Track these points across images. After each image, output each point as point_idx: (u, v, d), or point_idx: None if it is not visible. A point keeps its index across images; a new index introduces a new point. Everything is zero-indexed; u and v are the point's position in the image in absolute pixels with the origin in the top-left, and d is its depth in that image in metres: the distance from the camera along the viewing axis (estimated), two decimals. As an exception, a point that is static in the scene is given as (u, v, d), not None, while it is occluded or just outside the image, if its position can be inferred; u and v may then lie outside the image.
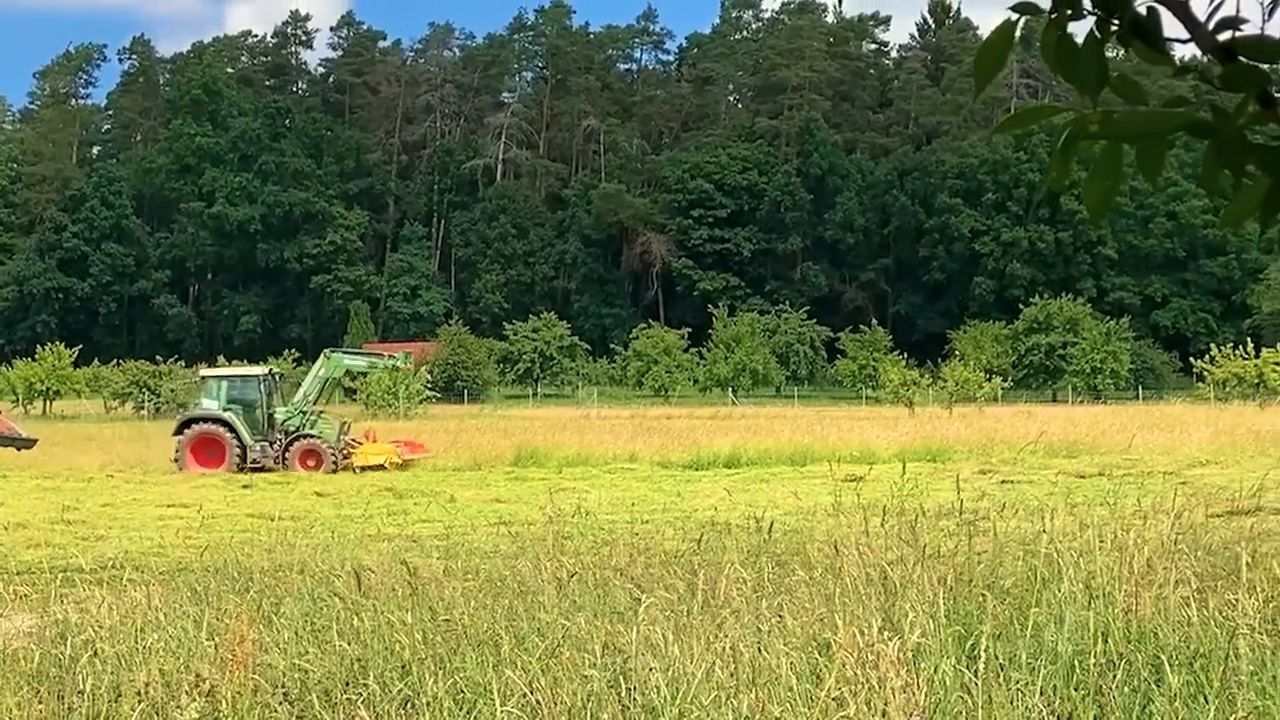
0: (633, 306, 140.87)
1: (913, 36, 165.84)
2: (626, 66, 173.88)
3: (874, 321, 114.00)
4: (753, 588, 10.49)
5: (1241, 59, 1.70)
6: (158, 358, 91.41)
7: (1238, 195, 1.78)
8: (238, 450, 38.46)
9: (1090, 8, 1.80)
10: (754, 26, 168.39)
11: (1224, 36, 1.73)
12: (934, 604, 8.66)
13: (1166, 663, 7.55)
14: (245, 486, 32.03)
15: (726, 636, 8.31)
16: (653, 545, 14.11)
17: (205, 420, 39.26)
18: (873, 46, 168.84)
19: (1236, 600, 8.75)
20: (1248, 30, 1.74)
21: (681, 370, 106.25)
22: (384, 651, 8.89)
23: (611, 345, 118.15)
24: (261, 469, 37.76)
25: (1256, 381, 77.37)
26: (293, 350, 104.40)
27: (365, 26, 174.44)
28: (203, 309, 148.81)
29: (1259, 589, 9.30)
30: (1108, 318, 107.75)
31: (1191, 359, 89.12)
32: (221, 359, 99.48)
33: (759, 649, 7.97)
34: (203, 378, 43.19)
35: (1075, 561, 10.23)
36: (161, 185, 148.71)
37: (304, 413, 40.05)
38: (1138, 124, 1.76)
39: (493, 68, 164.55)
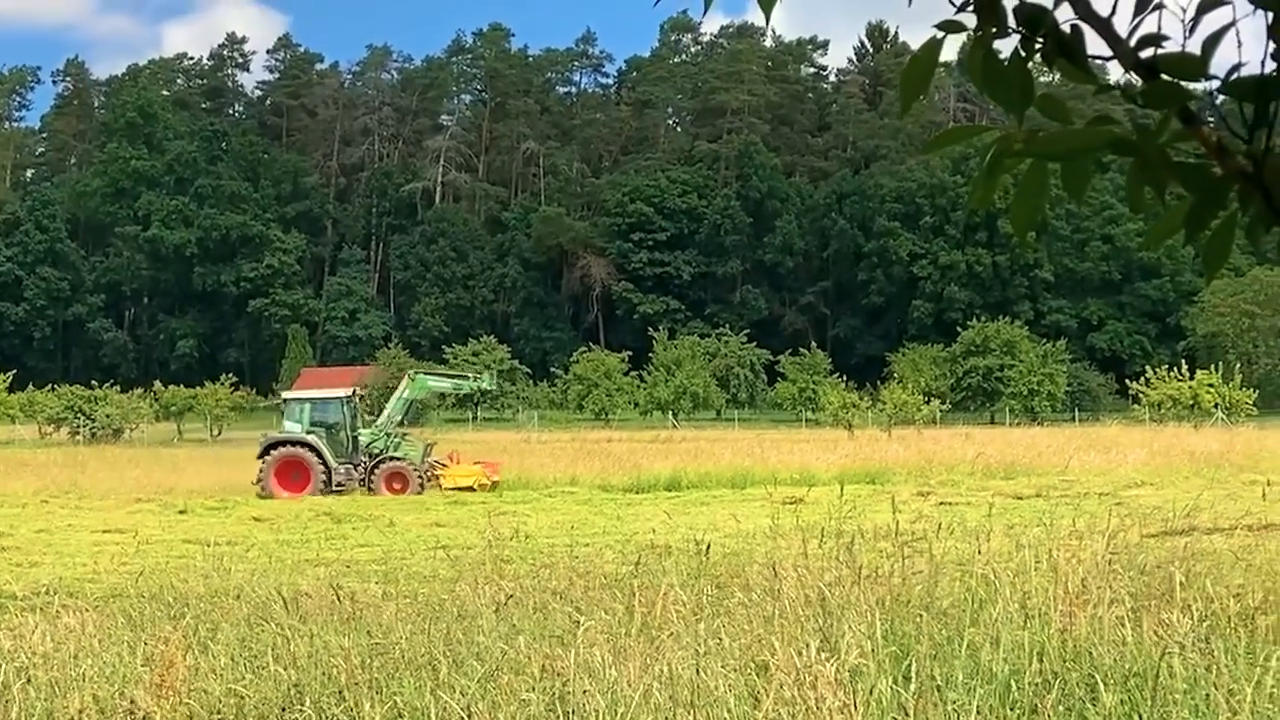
0: (573, 330, 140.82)
1: (851, 61, 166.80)
2: (566, 90, 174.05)
3: (813, 344, 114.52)
4: (691, 610, 10.50)
5: (1164, 76, 1.71)
6: (93, 382, 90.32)
7: (1161, 214, 1.79)
8: (322, 473, 38.06)
9: (1015, 26, 1.81)
10: (693, 50, 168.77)
11: (1146, 54, 1.75)
12: (871, 625, 8.69)
13: (1101, 682, 7.60)
14: (181, 512, 31.69)
15: (665, 658, 8.29)
16: (592, 568, 14.11)
17: (289, 443, 38.79)
18: (811, 70, 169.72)
19: (1170, 619, 8.83)
20: (1170, 48, 1.76)
21: (622, 393, 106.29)
22: (321, 676, 8.82)
23: (552, 369, 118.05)
24: (346, 492, 37.41)
25: (1191, 403, 78.14)
26: (230, 375, 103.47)
27: (302, 49, 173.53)
28: (139, 333, 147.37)
29: (1192, 608, 9.40)
30: (1044, 340, 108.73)
31: (1127, 381, 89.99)
32: (158, 384, 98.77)
33: (697, 671, 7.96)
34: (284, 400, 42.89)
35: (1011, 582, 10.30)
36: (96, 209, 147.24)
37: (388, 434, 39.68)
38: (1062, 143, 1.76)
39: (431, 90, 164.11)
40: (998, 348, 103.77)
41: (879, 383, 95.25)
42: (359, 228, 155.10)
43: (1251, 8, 1.67)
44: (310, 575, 16.16)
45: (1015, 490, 31.46)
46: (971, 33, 1.87)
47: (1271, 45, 1.64)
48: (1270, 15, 1.64)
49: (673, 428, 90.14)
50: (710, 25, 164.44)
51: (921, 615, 9.24)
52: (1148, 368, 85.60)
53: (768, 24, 2.21)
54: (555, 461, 44.22)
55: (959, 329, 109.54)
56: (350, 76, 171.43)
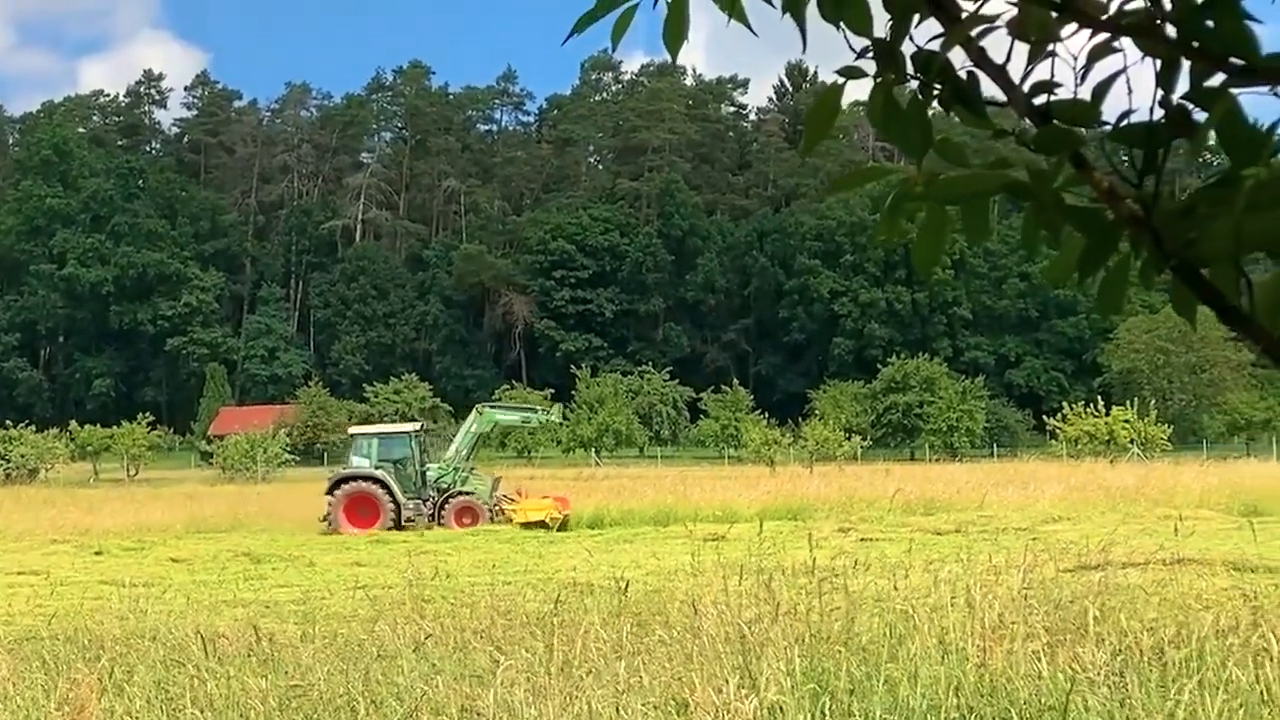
0: (495, 368, 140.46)
1: (771, 100, 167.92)
2: (487, 127, 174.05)
3: (735, 382, 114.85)
4: (612, 648, 10.48)
5: (1056, 122, 1.75)
6: (7, 422, 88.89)
7: (1056, 256, 1.83)
8: (392, 509, 37.70)
9: (913, 72, 1.85)
10: (614, 88, 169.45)
11: (1039, 100, 1.79)
12: (790, 661, 8.72)
13: (1016, 715, 7.67)
14: (97, 553, 31.23)
15: (584, 697, 8.27)
16: (514, 607, 14.06)
17: (358, 479, 38.35)
18: (732, 109, 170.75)
19: (1084, 654, 8.92)
20: (1063, 94, 1.80)
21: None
22: (238, 719, 8.72)
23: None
24: (416, 527, 36.98)
25: (1107, 439, 79.10)
26: (147, 414, 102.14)
27: (220, 86, 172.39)
28: (54, 372, 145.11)
29: (1106, 642, 9.50)
30: (963, 377, 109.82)
31: (1044, 417, 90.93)
32: (74, 423, 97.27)
33: (617, 709, 7.95)
34: (351, 435, 42.43)
35: (929, 617, 10.37)
36: (11, 247, 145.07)
37: (456, 469, 39.33)
38: (960, 186, 1.80)
39: (351, 128, 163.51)
40: (917, 384, 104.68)
41: (800, 419, 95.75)
42: (278, 265, 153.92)
43: (1140, 55, 1.71)
44: (228, 616, 15.99)
45: (934, 526, 31.62)
46: (872, 78, 1.90)
47: (1160, 92, 1.68)
48: (1159, 63, 1.68)
49: (596, 465, 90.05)
50: (631, 64, 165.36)
51: (840, 651, 9.28)
52: (1064, 404, 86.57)
53: (674, 61, 2.24)
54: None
55: (879, 366, 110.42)
56: (269, 114, 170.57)
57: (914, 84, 1.89)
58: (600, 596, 14.46)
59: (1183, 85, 1.69)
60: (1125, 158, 1.80)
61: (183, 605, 17.36)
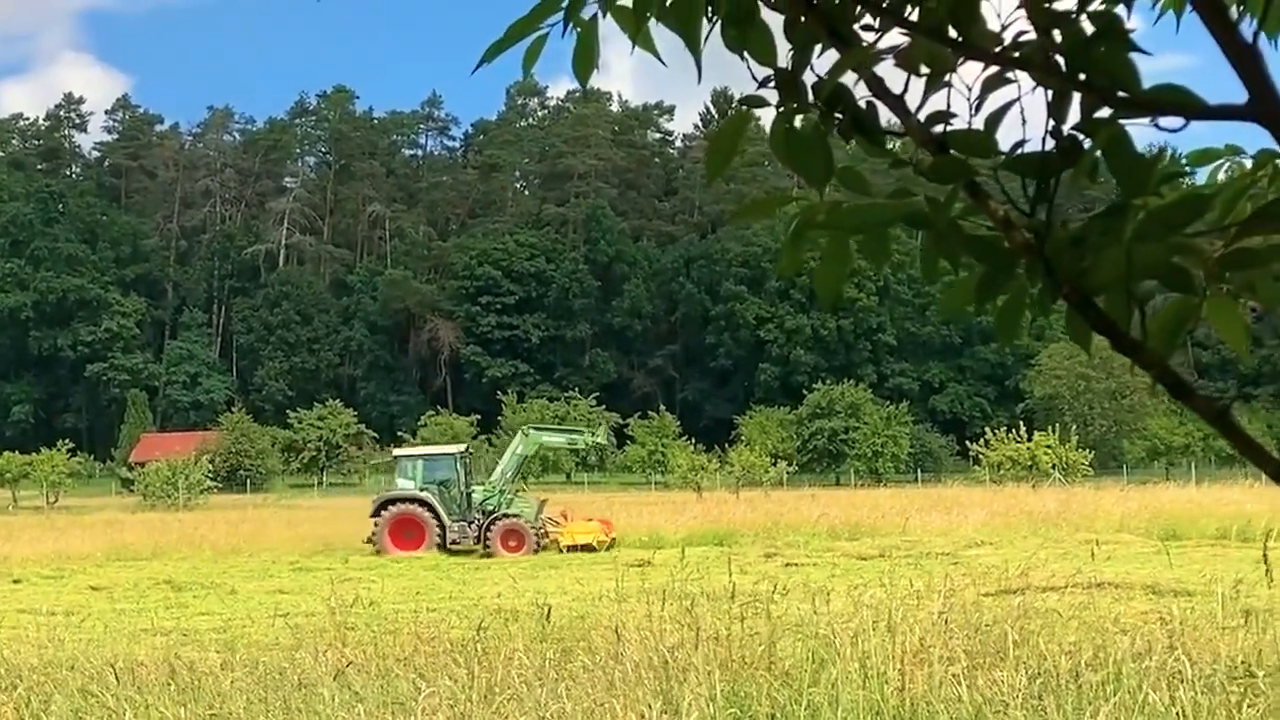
0: (421, 393, 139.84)
1: (696, 126, 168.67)
2: (412, 152, 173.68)
3: (662, 407, 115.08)
4: (535, 674, 10.44)
5: (953, 152, 1.77)
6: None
7: (954, 284, 1.85)
8: (438, 531, 37.46)
9: (814, 101, 1.87)
10: (540, 114, 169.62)
11: (936, 130, 1.81)
12: (712, 687, 8.72)
13: (936, 739, 7.71)
14: (16, 581, 30.70)
15: (506, 725, 8.23)
16: (438, 634, 13.97)
17: (403, 500, 38.11)
18: (658, 135, 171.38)
19: (1003, 677, 8.99)
20: (959, 124, 1.82)
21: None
22: (153, 751, 8.60)
23: (399, 433, 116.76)
24: (461, 550, 36.78)
25: (1029, 464, 79.74)
26: (67, 441, 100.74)
27: (142, 110, 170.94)
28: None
29: (1024, 665, 9.58)
30: (888, 403, 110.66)
31: (968, 442, 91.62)
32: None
33: (538, 737, 7.91)
34: (395, 457, 42.08)
35: (852, 642, 10.40)
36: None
37: (502, 491, 39.00)
38: (861, 215, 1.82)
39: (274, 152, 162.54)
40: (842, 410, 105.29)
41: (727, 445, 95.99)
42: (200, 291, 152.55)
43: (1032, 85, 1.74)
44: (147, 645, 15.75)
45: (859, 551, 31.80)
46: (774, 108, 1.92)
47: (1051, 123, 1.71)
48: (1051, 94, 1.71)
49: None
50: (557, 89, 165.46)
51: (762, 676, 9.30)
52: (987, 429, 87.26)
53: (583, 89, 2.25)
54: (403, 527, 43.74)
55: (805, 392, 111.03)
56: (191, 138, 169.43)
57: (816, 113, 1.91)
58: (525, 623, 14.42)
59: (1075, 116, 1.72)
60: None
61: (102, 634, 17.13)
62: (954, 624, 11.37)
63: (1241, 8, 2.16)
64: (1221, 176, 3.10)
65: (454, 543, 37.61)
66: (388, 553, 36.42)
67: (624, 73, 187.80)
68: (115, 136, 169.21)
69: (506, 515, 38.22)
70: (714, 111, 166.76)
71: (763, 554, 31.18)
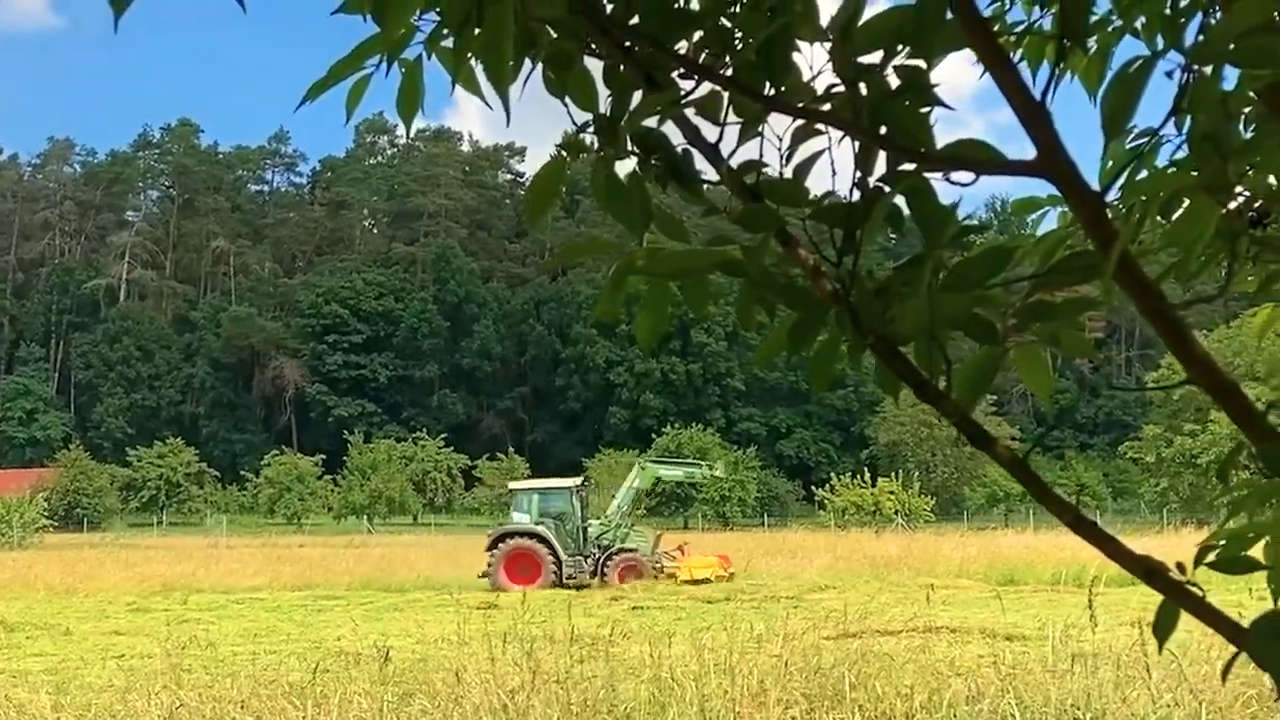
0: (265, 432, 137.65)
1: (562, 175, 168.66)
2: (258, 188, 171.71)
3: (511, 449, 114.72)
4: (373, 718, 10.31)
5: (766, 201, 1.79)
6: None
7: (769, 332, 1.87)
8: (553, 565, 36.73)
9: (632, 147, 1.88)
10: (389, 152, 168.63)
11: (749, 179, 1.83)
12: (550, 731, 8.67)
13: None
14: None
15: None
16: (277, 677, 13.73)
17: (519, 535, 37.46)
18: (508, 176, 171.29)
19: (840, 719, 9.08)
20: (772, 173, 1.84)
21: (315, 497, 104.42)
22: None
23: (242, 472, 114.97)
24: (578, 585, 35.79)
25: (873, 509, 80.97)
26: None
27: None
28: None
29: (861, 708, 9.69)
30: (736, 447, 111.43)
31: (813, 487, 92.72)
32: None
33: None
34: (511, 490, 41.61)
35: (692, 685, 10.43)
36: None
37: (618, 525, 38.45)
38: (678, 261, 1.83)
39: (116, 185, 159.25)
40: (691, 454, 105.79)
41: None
42: (38, 325, 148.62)
43: (840, 136, 1.77)
44: (-29, 690, 15.24)
45: (704, 594, 31.92)
46: (594, 153, 1.93)
47: (858, 174, 1.74)
48: (858, 145, 1.74)
49: (368, 532, 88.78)
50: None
51: (603, 719, 9.27)
52: (833, 475, 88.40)
53: (408, 132, 2.24)
54: (244, 568, 43.09)
55: (654, 435, 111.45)
56: (30, 169, 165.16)
57: (634, 160, 1.92)
58: (366, 666, 14.23)
59: (881, 168, 1.75)
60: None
61: (-76, 679, 16.53)
62: (793, 667, 11.46)
63: (1031, 65, 2.22)
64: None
65: (570, 577, 37.06)
66: (503, 588, 35.70)
67: (474, 113, 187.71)
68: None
69: (623, 549, 38.09)
70: (565, 154, 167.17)
71: (609, 597, 31.18)
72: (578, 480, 42.34)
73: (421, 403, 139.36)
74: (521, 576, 36.90)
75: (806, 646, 13.10)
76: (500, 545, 37.83)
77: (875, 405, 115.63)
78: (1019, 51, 3.13)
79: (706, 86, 1.84)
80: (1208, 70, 1.71)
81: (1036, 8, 3.17)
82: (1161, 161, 2.57)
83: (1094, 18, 3.07)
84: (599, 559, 38.06)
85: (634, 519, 41.77)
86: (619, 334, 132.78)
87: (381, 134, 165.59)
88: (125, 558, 49.69)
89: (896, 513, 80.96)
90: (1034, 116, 1.60)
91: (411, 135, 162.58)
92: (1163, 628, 1.86)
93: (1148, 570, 1.77)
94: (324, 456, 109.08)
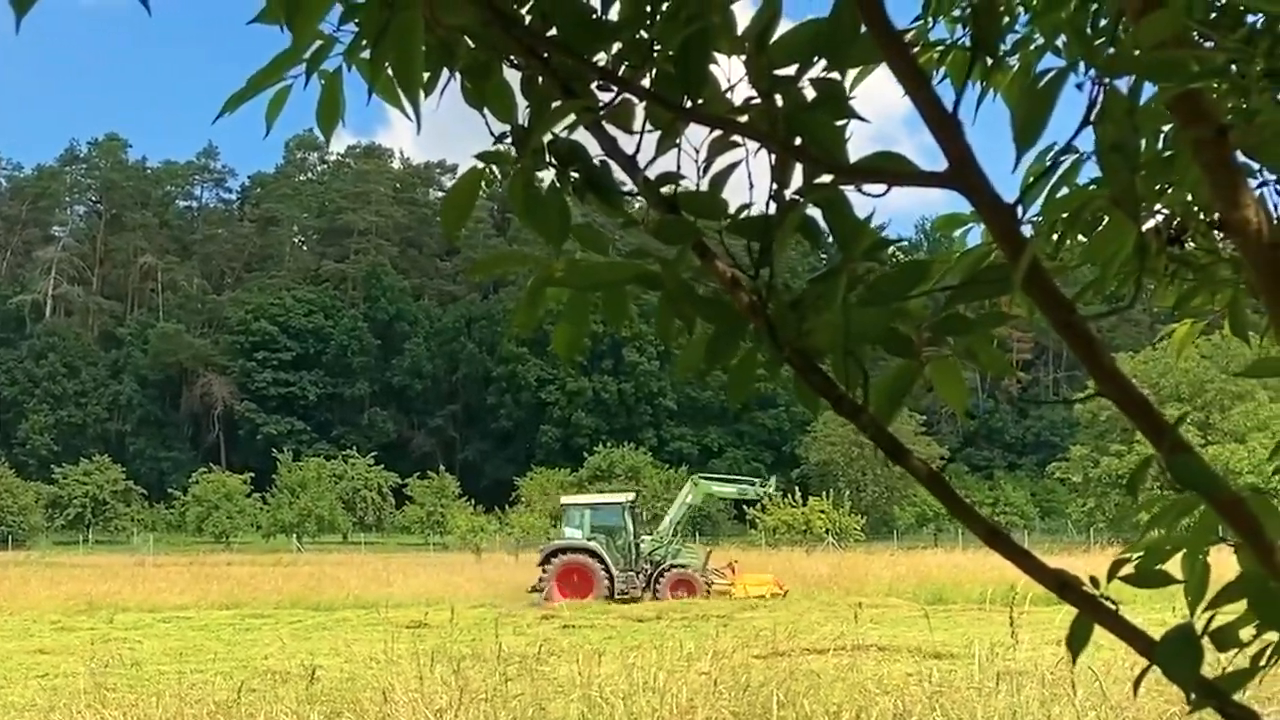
0: (193, 450, 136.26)
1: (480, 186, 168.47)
2: (186, 204, 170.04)
3: (442, 468, 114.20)
4: (298, 740, 10.22)
5: (683, 213, 1.79)
6: None
7: (688, 345, 1.86)
8: (605, 580, 36.83)
9: (550, 159, 1.87)
10: (319, 169, 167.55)
11: (666, 190, 1.83)
12: (477, 751, 8.63)
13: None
14: None
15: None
16: (203, 696, 13.61)
17: (571, 550, 37.63)
18: (440, 194, 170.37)
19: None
20: (689, 185, 1.84)
21: (244, 516, 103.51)
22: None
23: (170, 490, 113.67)
24: (630, 599, 35.92)
25: (804, 529, 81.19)
26: None
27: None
28: None
29: (789, 725, 9.70)
30: (668, 466, 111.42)
31: (745, 506, 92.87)
32: None
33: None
34: (564, 505, 41.79)
35: (621, 703, 10.41)
36: None
37: (670, 542, 38.73)
38: (597, 274, 1.82)
39: (42, 200, 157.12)
40: (623, 473, 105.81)
41: (507, 506, 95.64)
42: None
43: (756, 148, 1.77)
44: (-111, 711, 14.99)
45: (637, 613, 31.97)
46: (511, 165, 1.92)
47: (774, 186, 1.74)
48: (774, 157, 1.74)
49: (297, 551, 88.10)
50: (337, 144, 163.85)
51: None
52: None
53: (327, 142, 2.22)
54: (171, 586, 42.67)
55: (586, 454, 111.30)
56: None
57: (552, 171, 1.91)
58: (293, 685, 14.13)
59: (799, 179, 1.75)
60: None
61: None
62: (722, 685, 11.47)
63: (954, 82, 2.24)
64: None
65: (622, 592, 37.30)
66: (555, 602, 35.80)
67: (406, 130, 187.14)
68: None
69: (675, 565, 38.32)
70: (495, 172, 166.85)
71: (541, 616, 31.12)
72: (630, 496, 42.96)
73: (352, 420, 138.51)
74: (572, 590, 37.32)
75: (736, 665, 13.12)
76: (553, 560, 38.21)
77: (806, 425, 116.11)
78: (942, 69, 3.16)
79: (626, 98, 1.84)
80: (1122, 84, 1.73)
81: (959, 26, 3.21)
82: (1083, 180, 2.60)
83: (1017, 35, 3.11)
84: (650, 574, 38.43)
85: (684, 536, 42.38)
86: (551, 352, 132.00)
87: (312, 150, 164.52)
88: (50, 576, 49.05)
89: (827, 532, 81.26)
90: (946, 128, 1.60)
91: (339, 149, 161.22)
92: (1076, 641, 1.87)
93: (1061, 584, 1.78)
94: (253, 474, 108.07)
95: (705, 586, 38.18)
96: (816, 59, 1.74)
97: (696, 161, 1.81)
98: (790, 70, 1.75)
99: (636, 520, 41.18)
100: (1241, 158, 1.92)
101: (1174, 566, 2.14)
